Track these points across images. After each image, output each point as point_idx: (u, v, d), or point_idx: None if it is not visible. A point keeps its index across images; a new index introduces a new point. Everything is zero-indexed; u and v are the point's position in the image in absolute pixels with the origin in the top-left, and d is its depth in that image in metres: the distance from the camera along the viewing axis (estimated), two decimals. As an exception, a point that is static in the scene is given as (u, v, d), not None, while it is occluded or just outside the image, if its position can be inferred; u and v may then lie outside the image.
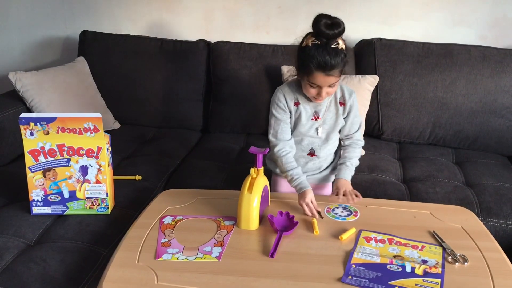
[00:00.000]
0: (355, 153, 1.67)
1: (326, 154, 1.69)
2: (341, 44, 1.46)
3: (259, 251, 1.30)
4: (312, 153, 1.68)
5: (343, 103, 1.63)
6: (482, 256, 1.27)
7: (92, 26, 2.64)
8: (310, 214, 1.48)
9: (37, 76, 2.21)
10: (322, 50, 1.43)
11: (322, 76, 1.46)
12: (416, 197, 1.82)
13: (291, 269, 1.22)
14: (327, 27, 1.42)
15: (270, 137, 1.65)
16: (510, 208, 1.75)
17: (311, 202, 1.50)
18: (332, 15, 1.44)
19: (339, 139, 1.72)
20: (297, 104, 1.62)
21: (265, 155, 1.56)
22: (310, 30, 1.48)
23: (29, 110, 2.19)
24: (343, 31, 1.44)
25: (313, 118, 1.63)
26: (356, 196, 1.55)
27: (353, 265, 1.22)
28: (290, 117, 1.64)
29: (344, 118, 1.65)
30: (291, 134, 1.65)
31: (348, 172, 1.63)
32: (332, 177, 1.75)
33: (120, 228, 1.55)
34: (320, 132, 1.64)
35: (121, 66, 2.48)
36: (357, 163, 1.67)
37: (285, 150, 1.61)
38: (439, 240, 1.34)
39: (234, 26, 2.61)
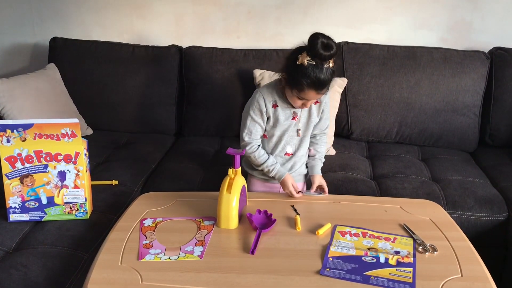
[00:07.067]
0: (324, 148, 1.82)
1: (301, 153, 1.76)
2: (332, 63, 1.53)
3: (240, 249, 1.34)
4: (288, 153, 1.74)
5: (318, 101, 1.71)
6: (450, 245, 1.35)
7: (62, 32, 2.63)
8: (296, 196, 1.64)
9: (8, 83, 2.18)
10: (316, 70, 1.50)
11: (314, 94, 1.56)
12: (386, 193, 1.90)
13: (271, 265, 1.26)
14: (324, 48, 1.47)
15: (244, 136, 1.70)
16: (474, 200, 1.85)
17: (292, 186, 1.65)
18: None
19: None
20: (275, 106, 1.67)
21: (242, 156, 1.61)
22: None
23: (0, 117, 2.16)
24: (336, 53, 1.50)
25: (292, 118, 1.70)
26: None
27: (330, 258, 1.28)
28: (269, 119, 1.69)
29: (319, 116, 1.74)
30: (271, 136, 1.72)
31: (320, 168, 1.80)
32: (304, 171, 1.82)
33: (99, 232, 1.56)
34: (299, 131, 1.72)
35: (93, 73, 2.48)
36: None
37: (255, 146, 1.71)
38: (410, 232, 1.41)
39: (205, 31, 2.64)
